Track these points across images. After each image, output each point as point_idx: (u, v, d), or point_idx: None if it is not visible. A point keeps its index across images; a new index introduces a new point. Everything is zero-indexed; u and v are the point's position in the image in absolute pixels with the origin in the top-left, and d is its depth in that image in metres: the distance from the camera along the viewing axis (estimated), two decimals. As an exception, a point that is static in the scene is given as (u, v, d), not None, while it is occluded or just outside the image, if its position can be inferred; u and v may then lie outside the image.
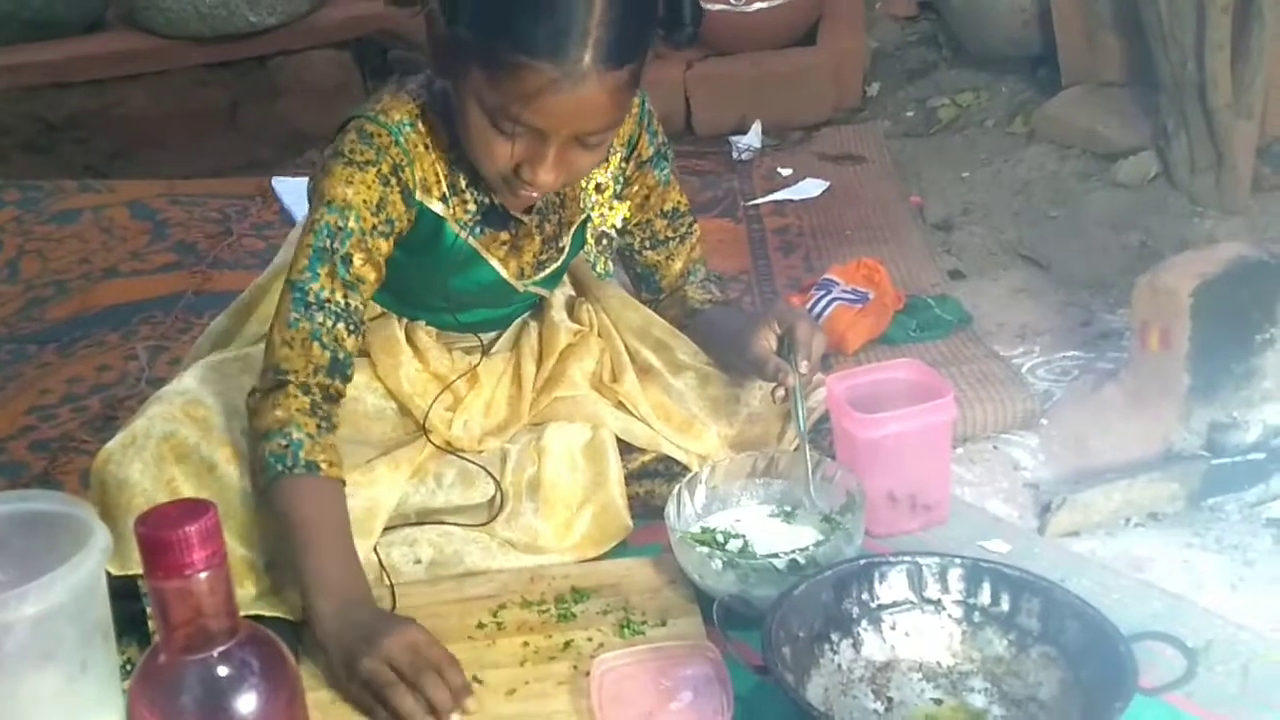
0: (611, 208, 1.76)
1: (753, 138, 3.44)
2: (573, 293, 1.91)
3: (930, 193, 3.12)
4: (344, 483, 1.52)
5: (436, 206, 1.60)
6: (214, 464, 1.53)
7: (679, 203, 1.82)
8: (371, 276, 1.55)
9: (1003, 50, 3.68)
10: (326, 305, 1.52)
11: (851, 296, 2.25)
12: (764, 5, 3.69)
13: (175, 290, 2.71)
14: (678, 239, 1.83)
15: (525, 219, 1.67)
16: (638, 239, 1.82)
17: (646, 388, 1.78)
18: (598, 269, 1.86)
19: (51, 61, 3.81)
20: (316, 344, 1.51)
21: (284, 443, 1.47)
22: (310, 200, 1.58)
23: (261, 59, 3.91)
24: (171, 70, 3.86)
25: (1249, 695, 1.39)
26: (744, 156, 3.38)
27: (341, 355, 1.53)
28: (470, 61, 1.43)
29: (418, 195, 1.58)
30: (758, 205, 3.04)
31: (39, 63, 3.81)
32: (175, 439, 1.53)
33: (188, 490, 1.51)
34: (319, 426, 1.50)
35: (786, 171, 3.23)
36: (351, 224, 1.52)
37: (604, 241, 1.80)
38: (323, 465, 1.49)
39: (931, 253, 2.70)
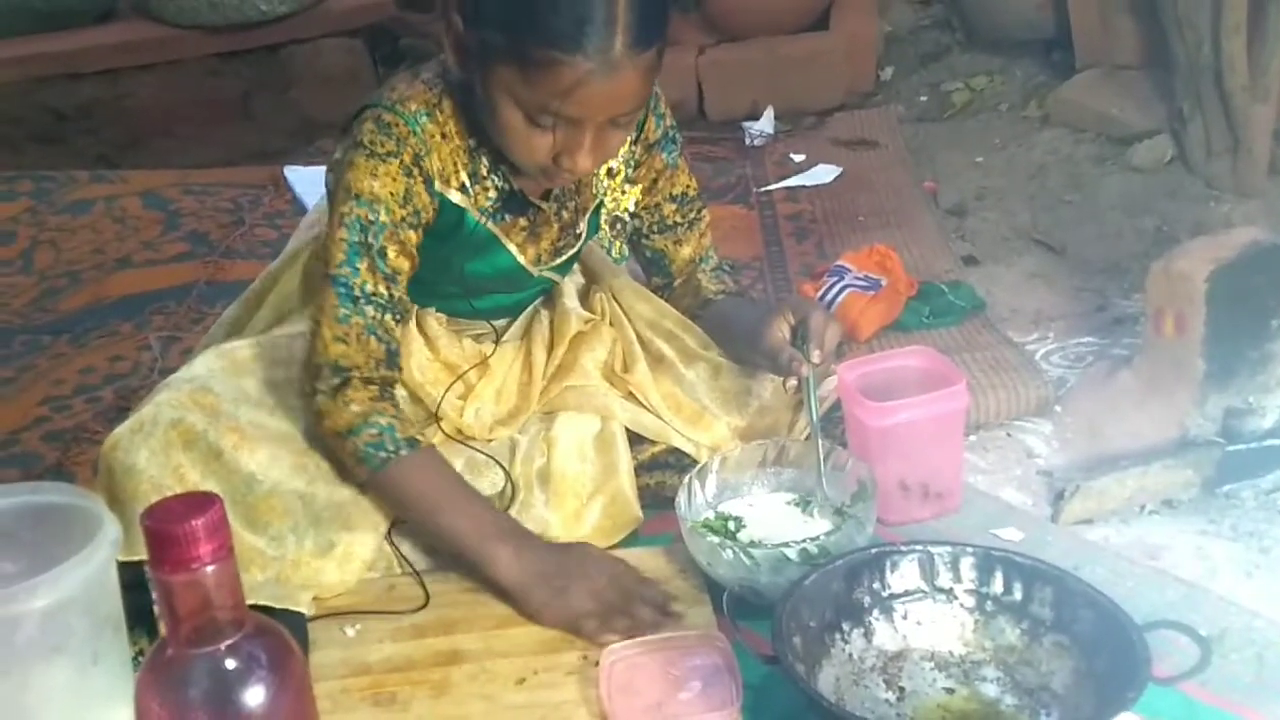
0: (624, 192, 1.77)
1: (765, 123, 3.43)
2: (585, 281, 1.90)
3: (944, 178, 3.10)
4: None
5: (455, 196, 1.60)
6: (221, 451, 1.54)
7: (688, 187, 1.81)
8: (406, 267, 1.58)
9: (1016, 33, 3.66)
10: (374, 299, 1.55)
11: (864, 283, 2.24)
12: (776, -11, 3.68)
13: (188, 280, 2.70)
14: (686, 224, 1.82)
15: (544, 205, 1.67)
16: (646, 223, 1.81)
17: (658, 378, 1.78)
18: (613, 253, 1.87)
19: (63, 52, 3.81)
20: (373, 338, 1.55)
21: (375, 432, 1.53)
22: (331, 191, 1.59)
23: (273, 48, 3.90)
24: (183, 60, 3.85)
25: (1264, 683, 1.39)
26: (757, 142, 3.37)
27: (394, 346, 1.58)
28: (499, 61, 1.44)
29: (437, 186, 1.58)
30: (770, 191, 3.03)
31: (51, 53, 3.81)
32: (183, 426, 1.53)
33: (195, 477, 1.51)
34: (396, 408, 1.58)
35: (799, 157, 3.22)
36: (383, 217, 1.54)
37: (618, 226, 1.81)
38: (420, 439, 1.58)
39: (945, 238, 2.68)
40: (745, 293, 1.98)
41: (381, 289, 1.55)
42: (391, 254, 1.55)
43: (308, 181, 3.10)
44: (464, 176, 1.60)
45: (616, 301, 1.84)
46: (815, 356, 1.58)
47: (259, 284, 1.83)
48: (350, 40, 3.95)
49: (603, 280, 1.87)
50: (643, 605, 1.49)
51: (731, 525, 1.62)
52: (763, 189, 3.04)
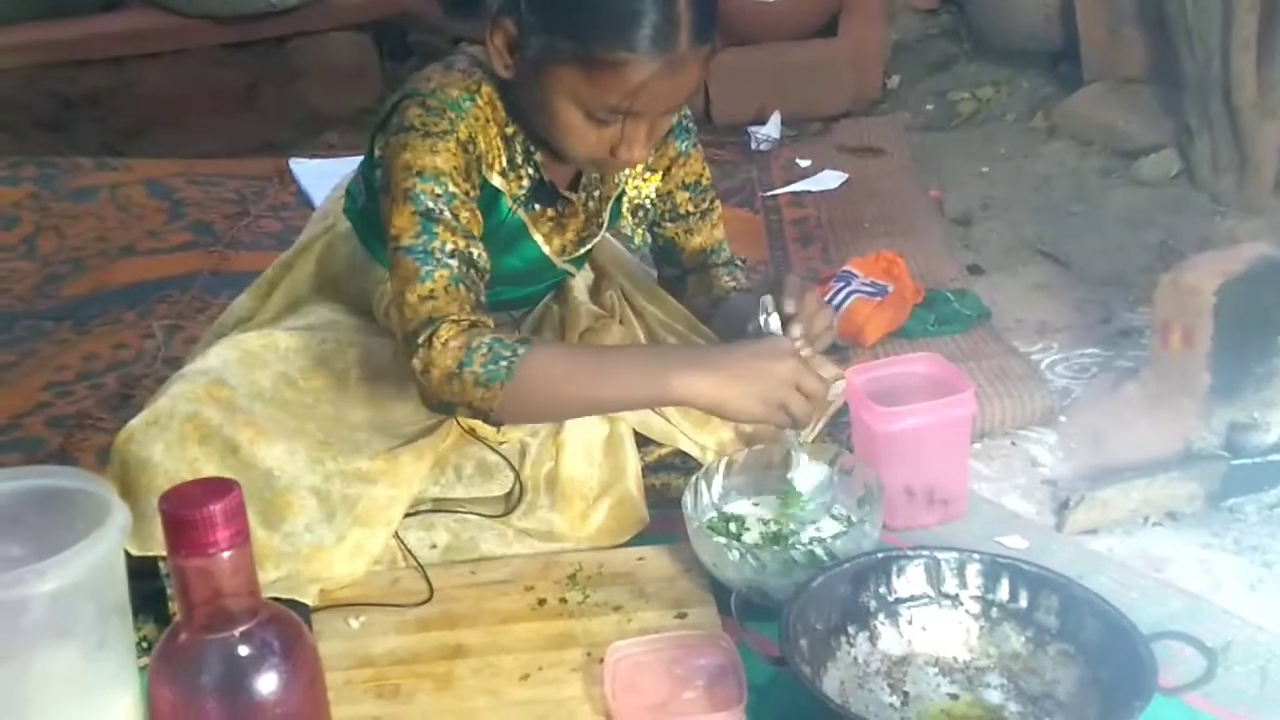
0: (644, 180, 1.78)
1: (772, 128, 3.43)
2: (594, 278, 1.90)
3: (949, 187, 3.10)
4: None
5: (496, 181, 1.60)
6: (237, 445, 1.53)
7: (701, 176, 1.82)
8: (478, 231, 1.53)
9: (1024, 44, 3.66)
10: (455, 254, 1.48)
11: (870, 289, 2.24)
12: (784, -5, 3.68)
13: (192, 270, 2.70)
14: (699, 214, 1.83)
15: (573, 196, 1.68)
16: (659, 210, 1.82)
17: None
18: (635, 242, 1.87)
19: (71, 39, 3.81)
20: (461, 286, 1.47)
21: (484, 351, 1.44)
22: (385, 181, 1.53)
23: (280, 40, 3.90)
24: (190, 49, 3.85)
25: (1268, 696, 1.39)
26: (763, 147, 3.37)
27: (483, 297, 1.51)
28: (561, 64, 1.45)
29: (483, 168, 1.58)
30: (776, 196, 3.03)
31: (58, 40, 3.81)
32: (198, 419, 1.52)
33: (210, 471, 1.50)
34: (493, 329, 1.49)
35: (805, 163, 3.22)
36: (451, 188, 1.50)
37: (639, 214, 1.81)
38: (529, 337, 1.54)
39: (951, 247, 2.69)
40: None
41: (461, 244, 1.48)
42: (464, 217, 1.50)
43: (313, 174, 3.10)
44: (503, 162, 1.60)
45: (627, 300, 1.85)
46: (791, 288, 1.55)
47: (271, 272, 1.83)
48: (358, 34, 3.95)
49: (613, 278, 1.87)
50: (797, 399, 1.47)
51: (735, 527, 1.62)
52: (768, 193, 3.04)
